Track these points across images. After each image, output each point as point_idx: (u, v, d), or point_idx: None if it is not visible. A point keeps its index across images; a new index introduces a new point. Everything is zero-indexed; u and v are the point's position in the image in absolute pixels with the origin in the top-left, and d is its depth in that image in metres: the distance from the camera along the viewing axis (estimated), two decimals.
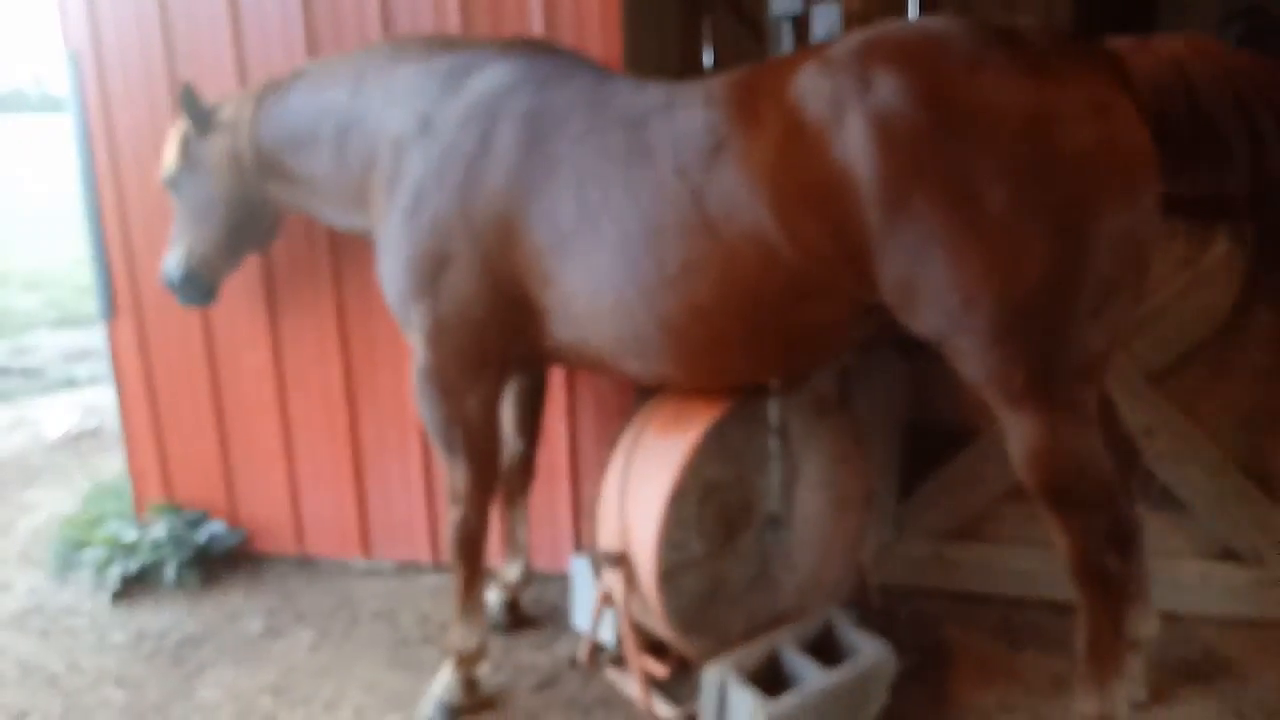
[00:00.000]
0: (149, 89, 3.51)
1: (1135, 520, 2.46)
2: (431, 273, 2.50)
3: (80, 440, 5.57)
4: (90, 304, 3.89)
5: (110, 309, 3.72)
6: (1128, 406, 2.82)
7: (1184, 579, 3.08)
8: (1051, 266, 1.90)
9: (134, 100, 3.54)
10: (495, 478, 2.79)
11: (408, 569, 3.73)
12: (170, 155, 3.09)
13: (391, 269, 2.60)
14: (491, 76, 2.52)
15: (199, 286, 3.19)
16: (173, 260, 3.18)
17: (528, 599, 3.40)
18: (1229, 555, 3.07)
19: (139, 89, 3.53)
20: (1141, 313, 2.87)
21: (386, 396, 3.57)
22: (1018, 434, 2.10)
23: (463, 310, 2.50)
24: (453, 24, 3.22)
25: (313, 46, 3.35)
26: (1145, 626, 2.58)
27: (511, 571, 3.25)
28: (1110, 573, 2.15)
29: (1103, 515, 2.11)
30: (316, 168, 2.87)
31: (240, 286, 3.53)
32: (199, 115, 2.99)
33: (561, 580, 3.52)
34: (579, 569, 3.04)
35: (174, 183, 3.11)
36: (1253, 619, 3.05)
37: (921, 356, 2.85)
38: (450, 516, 2.73)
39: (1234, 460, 2.98)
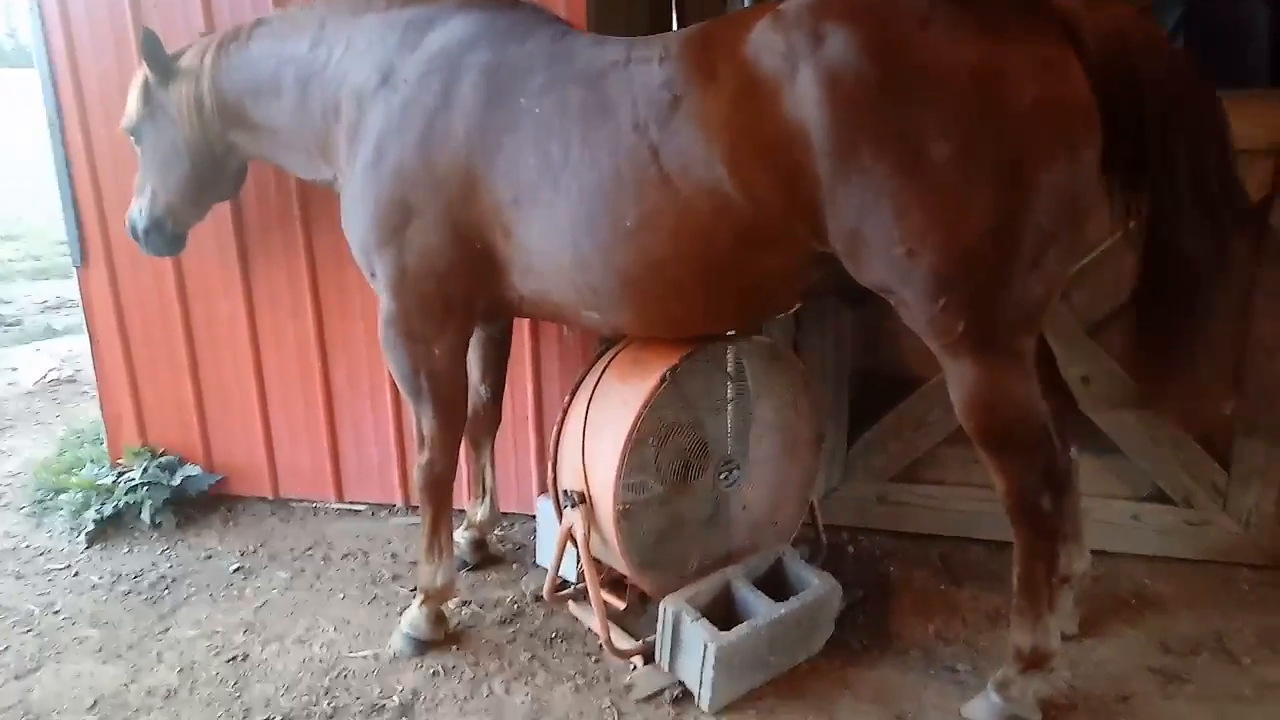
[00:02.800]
0: (115, 37, 3.50)
1: (1069, 463, 2.58)
2: (394, 224, 2.53)
3: (57, 387, 5.59)
4: (67, 256, 3.90)
5: (82, 257, 3.75)
6: (1065, 355, 2.91)
7: (1116, 519, 3.20)
8: (993, 219, 1.96)
9: (100, 49, 3.53)
10: (462, 423, 2.85)
11: (379, 510, 3.83)
12: (132, 103, 3.06)
13: (355, 220, 2.63)
14: (452, 29, 2.53)
15: (164, 235, 3.20)
16: (137, 209, 3.18)
17: (494, 538, 3.51)
18: (1159, 497, 3.19)
19: (105, 37, 3.51)
20: (1080, 265, 2.97)
21: (358, 342, 3.64)
22: (959, 381, 2.18)
23: (426, 261, 2.54)
24: None
25: None
26: (1078, 563, 2.69)
27: (479, 512, 3.34)
28: (1044, 513, 2.25)
29: (1038, 458, 2.21)
30: (279, 117, 2.87)
31: (212, 234, 3.56)
32: (160, 63, 2.96)
33: (527, 520, 3.63)
34: (544, 509, 3.15)
35: (136, 131, 3.09)
36: (1180, 558, 3.19)
37: (868, 306, 2.95)
38: (418, 460, 2.81)
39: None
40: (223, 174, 3.18)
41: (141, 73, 3.04)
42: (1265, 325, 2.97)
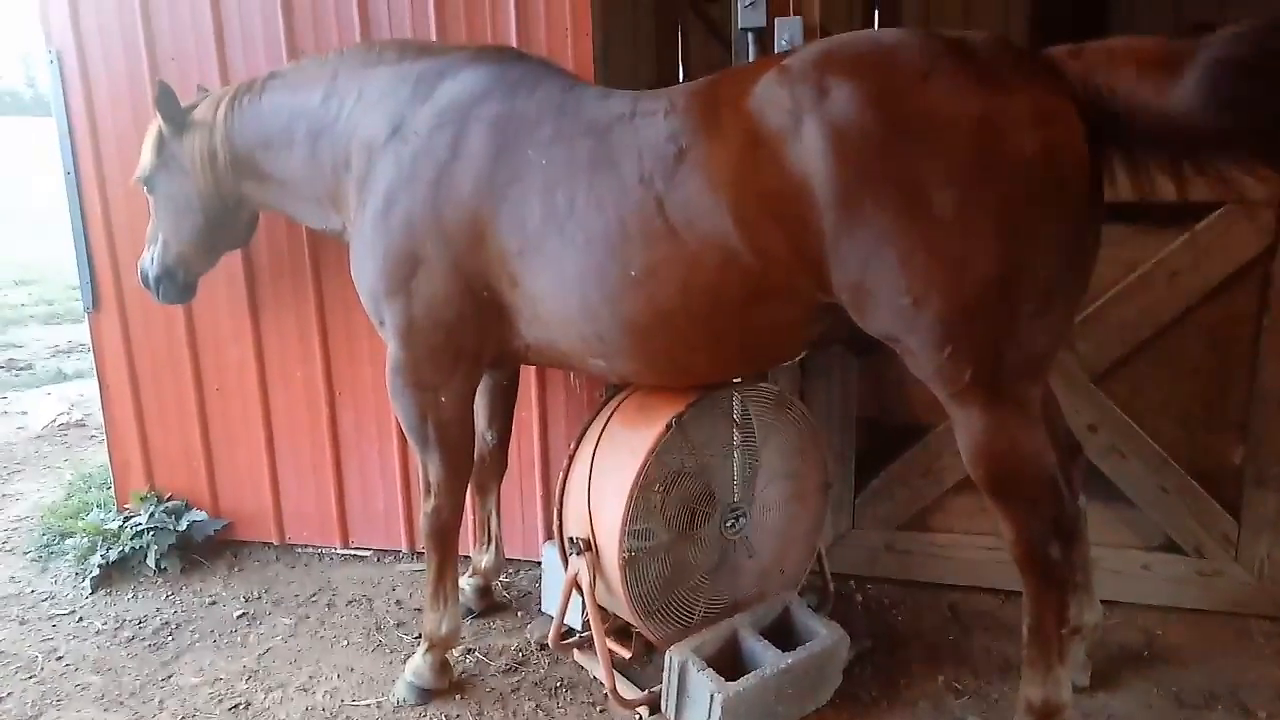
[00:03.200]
0: (132, 89, 3.58)
1: (1078, 512, 2.56)
2: (403, 274, 2.56)
3: (66, 431, 5.62)
4: (80, 301, 3.95)
5: (94, 302, 3.79)
6: (1071, 404, 2.92)
7: (1126, 569, 3.17)
8: (997, 268, 1.96)
9: (117, 100, 3.61)
10: (468, 470, 2.86)
11: (384, 556, 3.82)
12: (146, 154, 3.12)
13: (364, 270, 2.66)
14: (463, 82, 2.58)
15: (176, 284, 3.24)
16: (149, 258, 3.23)
17: (499, 585, 3.49)
18: (1169, 547, 3.16)
19: (122, 89, 3.59)
20: (1085, 314, 2.98)
21: (366, 389, 3.66)
22: (966, 429, 2.17)
23: (434, 310, 2.57)
24: (429, 30, 3.30)
25: (293, 49, 3.42)
26: (1089, 614, 2.66)
27: (484, 559, 3.33)
28: (1054, 562, 2.22)
29: (1046, 507, 2.18)
30: (290, 168, 2.91)
31: (223, 281, 3.61)
32: (174, 114, 3.02)
33: (532, 567, 3.61)
34: (550, 556, 3.14)
35: (150, 181, 3.14)
36: (1192, 608, 3.15)
37: (875, 355, 2.96)
38: (425, 507, 2.80)
39: (1174, 455, 3.08)
40: (234, 223, 3.24)
41: (155, 124, 3.09)
42: (1272, 374, 2.96)
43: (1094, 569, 2.69)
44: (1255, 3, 3.33)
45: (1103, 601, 2.74)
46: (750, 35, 3.01)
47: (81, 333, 7.93)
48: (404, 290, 2.58)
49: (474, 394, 2.80)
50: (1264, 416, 3.00)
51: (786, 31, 2.93)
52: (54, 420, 5.71)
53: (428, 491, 2.80)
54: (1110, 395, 3.09)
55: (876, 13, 5.72)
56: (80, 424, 5.76)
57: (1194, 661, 2.93)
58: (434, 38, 3.29)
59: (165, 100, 2.99)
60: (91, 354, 3.90)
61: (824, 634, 2.68)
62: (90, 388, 5.85)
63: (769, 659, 2.57)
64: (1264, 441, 3.01)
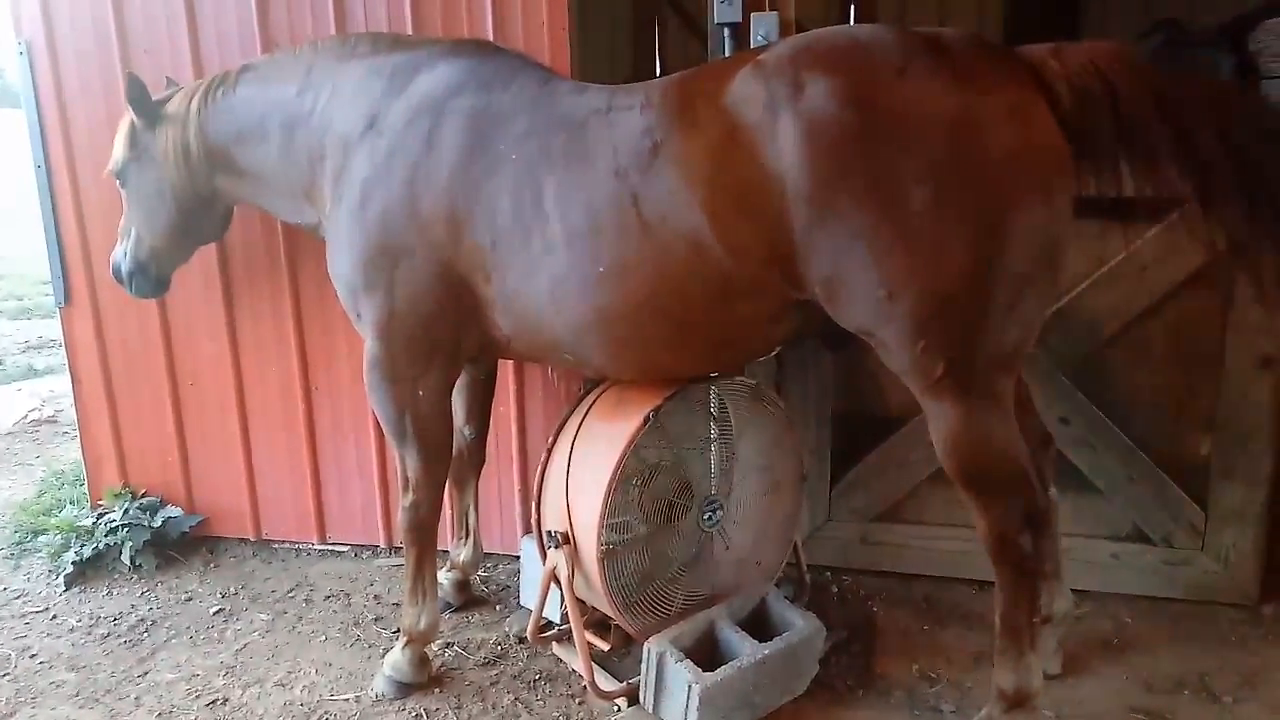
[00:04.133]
0: (104, 80, 3.54)
1: (1049, 503, 2.59)
2: (380, 268, 2.56)
3: (37, 428, 5.56)
4: (51, 297, 3.91)
5: (66, 297, 3.76)
6: (1043, 396, 2.95)
7: (1096, 558, 3.22)
8: (970, 264, 1.99)
9: (89, 92, 3.57)
10: (447, 465, 2.86)
11: (362, 551, 3.81)
12: (118, 147, 3.10)
13: (341, 264, 2.66)
14: (438, 76, 2.57)
15: (148, 278, 3.22)
16: (121, 252, 3.21)
17: (477, 579, 3.50)
18: (1139, 536, 3.21)
19: (94, 80, 3.55)
20: (1056, 307, 3.01)
21: (342, 383, 3.65)
22: (939, 422, 2.20)
23: (411, 304, 2.56)
24: (405, 24, 3.29)
25: (268, 42, 3.40)
26: (1060, 603, 2.70)
27: (462, 553, 3.34)
28: (1025, 552, 2.26)
29: (1018, 498, 2.21)
30: (264, 162, 2.90)
31: (197, 275, 3.58)
32: (146, 107, 3.00)
33: (510, 561, 3.62)
34: (528, 550, 3.15)
35: (122, 175, 3.12)
36: (1161, 596, 3.21)
37: (850, 349, 2.98)
38: (403, 502, 2.81)
39: (1143, 447, 3.13)
40: (208, 217, 3.21)
41: (128, 117, 3.07)
42: (1238, 368, 3.02)
43: (1064, 559, 2.73)
44: (1222, 2, 3.40)
45: (1073, 590, 2.78)
46: (726, 30, 3.02)
47: (52, 328, 7.87)
48: (380, 284, 2.58)
49: (451, 388, 2.80)
50: (1230, 409, 3.05)
51: (762, 27, 2.95)
52: (25, 416, 5.65)
53: (406, 486, 2.80)
54: (1081, 388, 3.13)
55: (852, 9, 5.75)
56: (52, 420, 5.70)
57: (1162, 649, 2.98)
58: (410, 31, 3.28)
59: (137, 93, 2.96)
60: (63, 349, 3.85)
61: (800, 625, 2.71)
62: (62, 383, 5.82)
63: (746, 650, 2.60)
64: (1230, 434, 3.07)
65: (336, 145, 2.68)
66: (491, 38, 3.19)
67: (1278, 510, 3.11)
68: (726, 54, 3.01)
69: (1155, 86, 2.02)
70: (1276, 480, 3.08)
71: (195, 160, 2.99)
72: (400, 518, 2.83)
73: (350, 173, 2.62)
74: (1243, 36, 2.92)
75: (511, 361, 3.42)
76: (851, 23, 5.60)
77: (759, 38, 2.94)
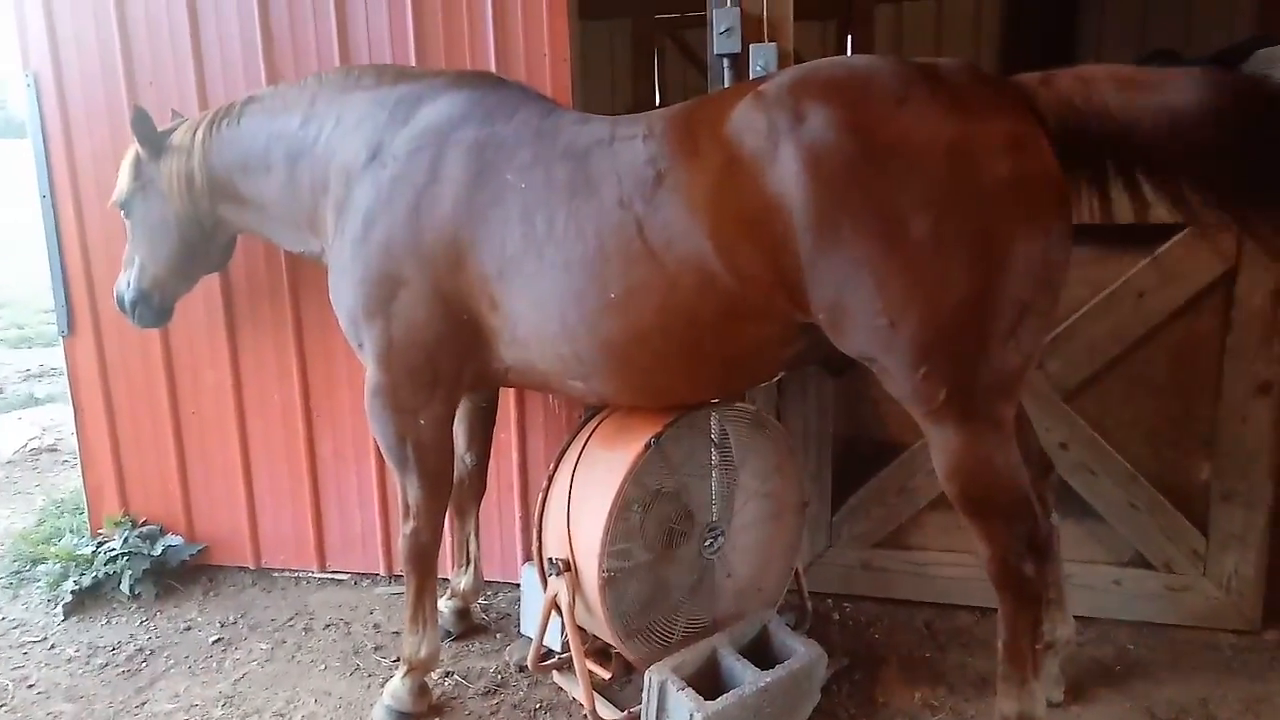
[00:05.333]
0: (110, 112, 3.58)
1: (1050, 529, 2.58)
2: (382, 297, 2.57)
3: (37, 456, 5.55)
4: (53, 325, 3.93)
5: (69, 326, 3.77)
6: (1043, 422, 2.96)
7: (1098, 584, 3.21)
8: (971, 290, 2.01)
9: (94, 123, 3.61)
10: (448, 493, 2.86)
11: (362, 579, 3.80)
12: (123, 178, 3.13)
13: (343, 293, 2.67)
14: (441, 107, 2.60)
15: (151, 308, 3.24)
16: (124, 282, 3.23)
17: (478, 607, 3.49)
18: (1139, 562, 3.21)
19: (100, 112, 3.60)
20: (1055, 333, 3.03)
21: (344, 412, 3.65)
22: (941, 447, 2.21)
23: (413, 333, 2.58)
24: (408, 56, 3.33)
25: (272, 74, 3.44)
26: (1062, 629, 2.70)
27: (463, 581, 3.33)
28: (1027, 578, 2.25)
29: (1020, 524, 2.21)
30: (268, 192, 2.93)
31: (200, 305, 3.60)
32: (151, 138, 3.04)
33: (511, 589, 3.61)
34: (529, 578, 3.14)
35: (126, 205, 3.16)
36: (1162, 622, 3.19)
37: (851, 374, 3.00)
38: (404, 530, 2.80)
39: (1142, 472, 3.13)
40: (211, 247, 3.24)
41: (133, 149, 3.11)
42: (1236, 392, 3.03)
43: (1066, 585, 2.73)
44: (1218, 33, 3.45)
45: (1075, 617, 2.77)
46: (726, 61, 3.06)
47: (53, 357, 7.88)
48: (383, 313, 2.59)
49: (453, 417, 2.80)
50: (1229, 433, 3.06)
51: (761, 57, 2.99)
52: (25, 445, 5.65)
53: (406, 514, 2.80)
54: (1080, 413, 3.14)
55: (850, 39, 5.83)
56: (52, 449, 5.69)
57: (1164, 675, 2.97)
58: (413, 63, 3.32)
59: (142, 124, 3.01)
60: (65, 378, 3.86)
61: (802, 652, 2.69)
62: (62, 412, 5.82)
63: (748, 678, 2.58)
64: (1230, 458, 3.07)
65: (339, 175, 2.71)
66: (494, 69, 3.23)
67: (1279, 534, 3.10)
68: (726, 84, 3.04)
69: (1150, 101, 2.02)
70: (1277, 504, 3.08)
71: (199, 190, 3.02)
72: (401, 545, 2.83)
73: (353, 202, 2.64)
74: (1235, 66, 2.96)
75: (512, 389, 3.42)
76: (849, 53, 5.68)
77: (758, 68, 2.98)
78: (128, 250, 3.24)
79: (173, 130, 3.09)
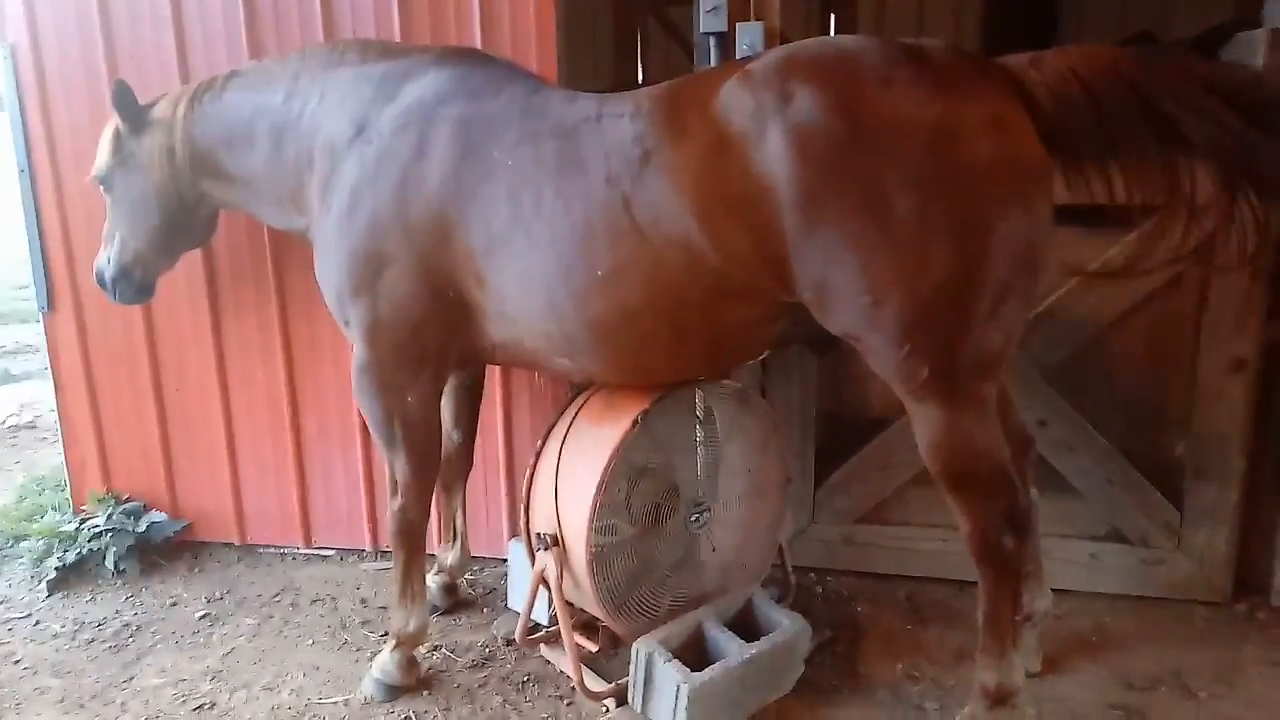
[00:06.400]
0: (89, 85, 3.53)
1: (1029, 504, 2.63)
2: (368, 273, 2.56)
3: (16, 433, 5.51)
4: (27, 302, 3.89)
5: (49, 303, 3.74)
6: (1023, 399, 2.99)
7: (1075, 558, 3.27)
8: (954, 270, 2.03)
9: (73, 96, 3.56)
10: (435, 469, 2.86)
11: (348, 555, 3.81)
12: (103, 152, 3.09)
13: (329, 270, 2.67)
14: (427, 84, 2.59)
15: (132, 284, 3.21)
16: (104, 259, 3.19)
17: (465, 582, 3.51)
18: (1116, 536, 3.27)
19: (79, 85, 3.54)
20: (1036, 312, 3.05)
21: (329, 388, 3.65)
22: (923, 424, 2.24)
23: (400, 309, 2.57)
24: (393, 31, 3.31)
25: (255, 47, 3.40)
26: (1040, 602, 2.74)
27: (450, 556, 3.35)
28: (1008, 553, 2.29)
29: (1001, 500, 2.25)
30: (251, 167, 2.91)
31: (183, 281, 3.57)
32: (132, 112, 3.00)
33: (498, 564, 3.63)
34: (516, 553, 3.16)
35: (106, 180, 3.12)
36: (1138, 595, 3.27)
37: (834, 352, 3.03)
38: (392, 507, 2.81)
39: (1119, 449, 3.19)
40: (193, 223, 3.21)
41: (113, 122, 3.06)
42: (1210, 371, 3.08)
43: (1044, 558, 2.78)
44: (1196, 14, 3.48)
45: (1053, 590, 2.82)
46: (712, 40, 3.05)
47: (29, 333, 7.79)
48: (369, 290, 2.59)
49: (440, 394, 2.81)
50: (1204, 411, 3.12)
51: (747, 36, 2.99)
52: (3, 422, 5.60)
53: (394, 491, 2.81)
54: (1060, 391, 3.19)
55: (833, 19, 5.83)
56: (31, 425, 5.65)
57: (1140, 646, 3.04)
58: (397, 38, 3.29)
59: (123, 98, 2.96)
60: (45, 354, 3.83)
61: (786, 625, 2.74)
62: (40, 389, 5.77)
63: (733, 650, 2.63)
64: (1204, 435, 3.13)
65: (325, 151, 2.69)
66: (479, 46, 3.21)
67: (1251, 510, 3.18)
68: (712, 63, 3.04)
69: (1136, 81, 2.04)
70: (1249, 481, 3.14)
71: (180, 165, 2.99)
72: (389, 521, 2.84)
73: (339, 179, 2.62)
74: (1215, 49, 2.99)
75: (499, 367, 3.43)
76: (832, 33, 5.68)
77: (744, 47, 2.98)
78: (107, 226, 3.20)
79: (154, 104, 3.05)
